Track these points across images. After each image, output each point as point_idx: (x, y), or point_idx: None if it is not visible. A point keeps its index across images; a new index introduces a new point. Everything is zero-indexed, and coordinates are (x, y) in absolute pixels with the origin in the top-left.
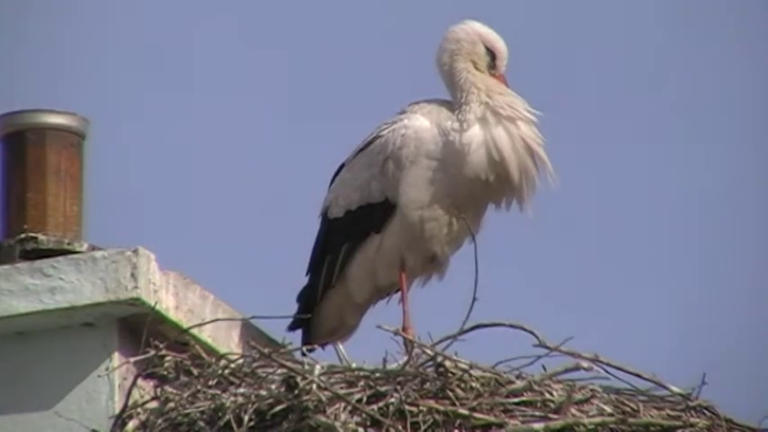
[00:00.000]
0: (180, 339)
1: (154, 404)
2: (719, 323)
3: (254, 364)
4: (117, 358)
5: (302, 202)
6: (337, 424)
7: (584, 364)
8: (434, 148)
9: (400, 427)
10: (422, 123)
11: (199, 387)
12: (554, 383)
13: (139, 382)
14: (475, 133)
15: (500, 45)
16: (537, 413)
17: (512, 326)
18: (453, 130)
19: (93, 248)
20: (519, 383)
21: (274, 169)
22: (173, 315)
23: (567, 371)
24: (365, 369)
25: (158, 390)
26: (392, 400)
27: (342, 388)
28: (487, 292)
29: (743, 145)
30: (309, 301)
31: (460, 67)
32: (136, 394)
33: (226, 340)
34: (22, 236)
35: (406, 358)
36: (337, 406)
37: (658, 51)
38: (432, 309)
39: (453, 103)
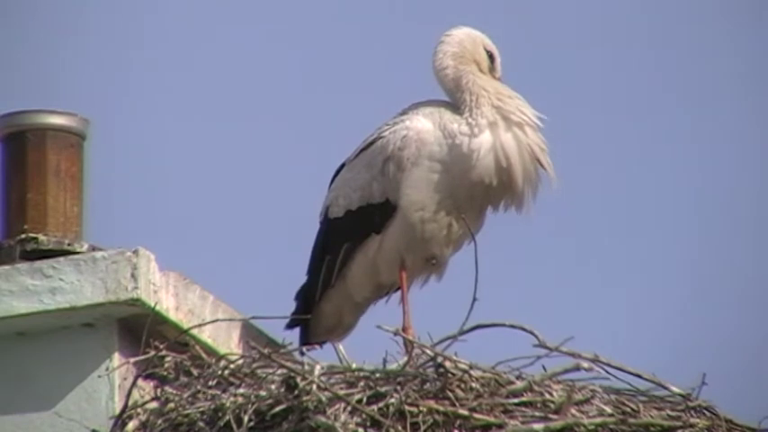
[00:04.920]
0: (180, 340)
1: (154, 404)
2: (719, 323)
3: (254, 365)
4: (117, 359)
5: (302, 202)
6: (337, 424)
7: (585, 364)
8: (438, 150)
9: (400, 428)
10: (423, 125)
11: (199, 387)
12: (554, 384)
13: (139, 382)
14: (485, 138)
15: (495, 48)
16: (537, 414)
17: (512, 326)
18: (461, 133)
19: (93, 249)
20: (519, 384)
21: (274, 169)
22: (173, 315)
23: (566, 371)
24: (365, 369)
25: (158, 390)
26: (392, 400)
27: (342, 388)
28: (487, 292)
29: (743, 146)
30: (308, 300)
31: (467, 70)
32: (136, 395)
33: (226, 340)
34: (23, 236)
35: (406, 358)
36: (337, 406)
37: (658, 50)
38: (432, 309)
39: (457, 106)
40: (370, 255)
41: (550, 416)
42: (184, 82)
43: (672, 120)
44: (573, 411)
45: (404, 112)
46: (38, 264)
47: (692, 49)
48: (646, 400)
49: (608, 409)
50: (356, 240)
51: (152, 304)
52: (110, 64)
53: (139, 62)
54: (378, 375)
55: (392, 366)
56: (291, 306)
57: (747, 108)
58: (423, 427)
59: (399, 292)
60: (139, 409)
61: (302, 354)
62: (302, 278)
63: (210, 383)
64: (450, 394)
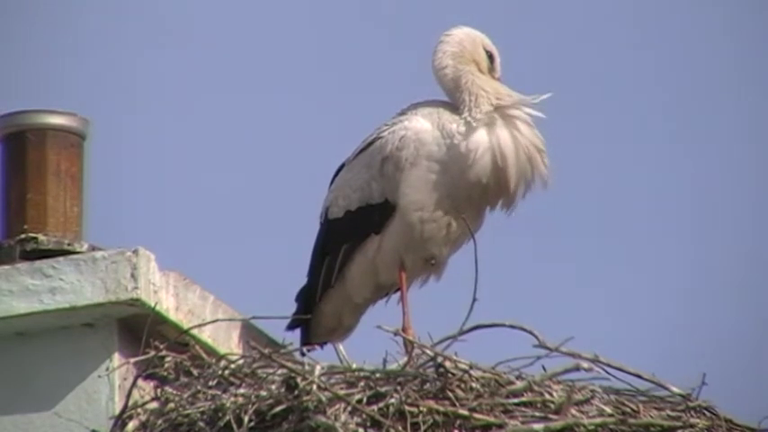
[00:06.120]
0: (180, 340)
1: (154, 405)
2: (719, 323)
3: (255, 365)
4: (117, 359)
5: (302, 202)
6: (337, 424)
7: (584, 364)
8: (436, 150)
9: (400, 428)
10: (422, 125)
11: (199, 387)
12: (554, 384)
13: (139, 382)
14: (482, 137)
15: (494, 48)
16: (537, 414)
17: (512, 326)
18: (459, 132)
19: (93, 249)
20: (519, 384)
21: (274, 169)
22: (173, 315)
23: (566, 371)
24: (365, 369)
25: (158, 390)
26: (392, 400)
27: (342, 388)
28: (487, 292)
29: (741, 145)
30: (308, 301)
31: (466, 70)
32: (136, 395)
33: (226, 341)
34: (23, 236)
35: (406, 359)
36: (337, 406)
37: (657, 50)
38: (432, 309)
39: (456, 106)
40: (369, 255)
41: (550, 416)
42: (184, 82)
43: (672, 119)
44: (573, 411)
45: (403, 113)
46: (38, 264)
47: (690, 48)
48: (646, 400)
49: (608, 410)
50: (356, 241)
51: (152, 304)
52: (110, 64)
53: (139, 62)
54: (378, 375)
55: (392, 366)
56: (292, 306)
57: (744, 106)
58: (423, 428)
59: (399, 293)
60: (139, 410)
61: (302, 354)
62: (302, 279)
63: (211, 383)
64: (450, 394)
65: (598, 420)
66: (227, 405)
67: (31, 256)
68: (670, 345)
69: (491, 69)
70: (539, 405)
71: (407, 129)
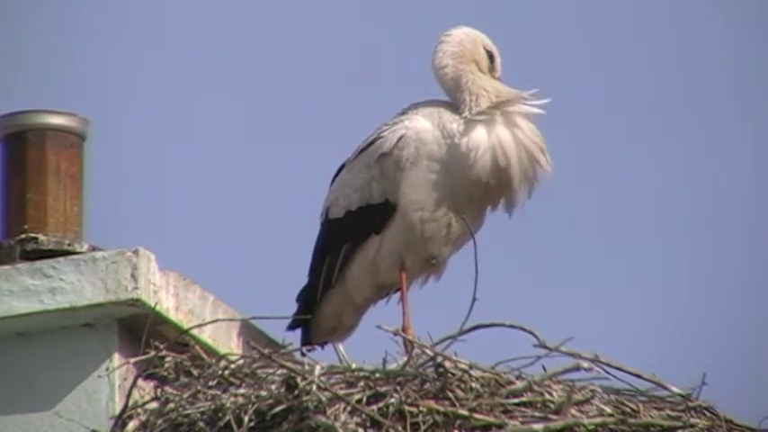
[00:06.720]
0: (180, 340)
1: (154, 405)
2: (719, 323)
3: (255, 365)
4: (117, 359)
5: (303, 202)
6: (337, 424)
7: (584, 364)
8: (437, 150)
9: (400, 428)
10: (423, 125)
11: (199, 387)
12: (554, 384)
13: (140, 382)
14: (482, 137)
15: (495, 47)
16: (537, 414)
17: (512, 326)
18: (459, 132)
19: (93, 249)
20: (519, 384)
21: (275, 169)
22: (173, 315)
23: (566, 371)
24: (365, 369)
25: (158, 390)
26: (392, 400)
27: (342, 388)
28: (487, 292)
29: (740, 146)
30: (309, 301)
31: (466, 70)
32: (136, 395)
33: (226, 341)
34: (23, 236)
35: (405, 359)
36: (337, 406)
37: (657, 50)
38: (432, 309)
39: (456, 106)
40: (369, 255)
41: (550, 416)
42: (184, 82)
43: (672, 119)
44: (573, 411)
45: (403, 112)
46: (38, 264)
47: (690, 49)
48: (646, 400)
49: (608, 409)
50: (356, 241)
51: (152, 304)
52: (110, 64)
53: (139, 62)
54: (378, 375)
55: (392, 366)
56: (292, 306)
57: (745, 105)
58: (423, 428)
59: (399, 293)
60: (139, 410)
61: (303, 354)
62: (303, 279)
63: (211, 384)
64: (450, 394)
65: (598, 420)
66: (227, 405)
67: (31, 257)
68: (670, 345)
69: (491, 69)
70: (539, 405)
71: (408, 128)
